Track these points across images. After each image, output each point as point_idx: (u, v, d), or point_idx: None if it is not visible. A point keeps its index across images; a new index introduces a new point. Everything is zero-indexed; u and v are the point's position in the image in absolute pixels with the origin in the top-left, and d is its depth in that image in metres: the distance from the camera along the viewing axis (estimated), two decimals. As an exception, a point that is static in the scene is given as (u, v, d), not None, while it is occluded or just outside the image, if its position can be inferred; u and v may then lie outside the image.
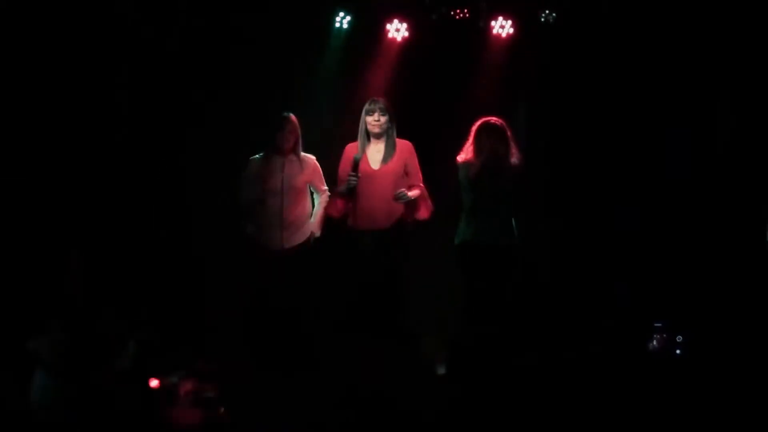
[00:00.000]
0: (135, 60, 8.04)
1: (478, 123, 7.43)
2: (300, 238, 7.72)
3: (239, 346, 7.59)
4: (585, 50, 8.55)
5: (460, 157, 7.44)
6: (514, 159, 7.41)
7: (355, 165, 7.43)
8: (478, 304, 7.40)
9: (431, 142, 8.10)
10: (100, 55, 7.93)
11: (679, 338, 7.45)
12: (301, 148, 7.70)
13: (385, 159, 7.55)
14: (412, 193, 7.51)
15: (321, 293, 8.11)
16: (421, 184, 7.63)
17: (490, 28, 8.58)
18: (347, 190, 7.49)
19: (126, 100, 8.08)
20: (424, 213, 7.65)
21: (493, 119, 7.44)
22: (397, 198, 7.42)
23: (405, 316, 7.68)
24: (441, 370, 7.46)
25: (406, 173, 7.60)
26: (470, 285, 7.46)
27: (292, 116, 7.66)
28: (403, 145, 7.63)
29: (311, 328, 7.77)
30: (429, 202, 7.65)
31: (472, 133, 7.42)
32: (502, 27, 8.58)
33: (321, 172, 7.78)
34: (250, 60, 8.30)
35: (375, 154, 7.59)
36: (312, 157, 7.75)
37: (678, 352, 7.47)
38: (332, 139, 8.11)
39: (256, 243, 7.69)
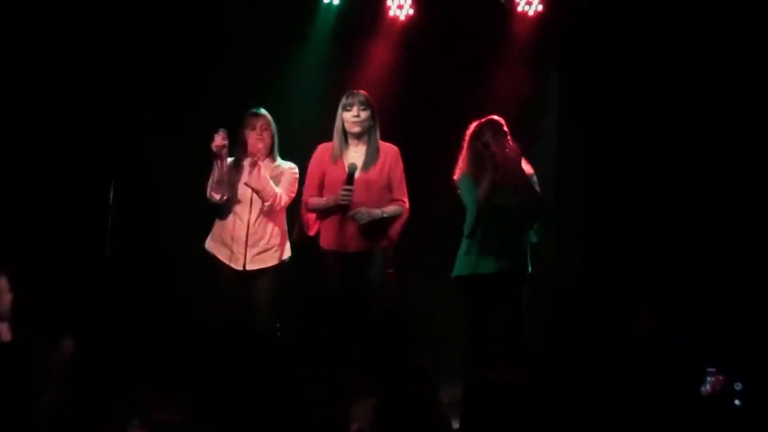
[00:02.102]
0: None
1: (472, 126, 6.58)
2: (269, 260, 6.70)
3: (208, 389, 6.17)
4: (629, 33, 7.50)
5: (457, 171, 6.61)
6: (525, 166, 6.55)
7: (350, 176, 6.40)
8: (486, 345, 6.56)
9: (440, 142, 7.19)
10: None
11: (737, 386, 6.52)
12: (277, 151, 6.71)
13: (366, 165, 6.53)
14: (379, 211, 6.47)
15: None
16: (405, 200, 6.62)
17: (514, 5, 7.56)
18: (331, 208, 6.46)
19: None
20: (394, 233, 6.63)
21: (493, 117, 6.55)
22: (355, 217, 6.41)
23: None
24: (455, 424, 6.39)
25: (389, 184, 6.56)
26: (475, 325, 6.59)
27: (264, 112, 6.68)
28: (388, 150, 6.61)
29: (292, 367, 6.47)
30: (399, 224, 6.60)
31: (466, 139, 6.58)
32: (529, 3, 7.54)
33: (294, 178, 6.70)
34: (221, 44, 7.40)
35: (353, 158, 6.54)
36: (291, 166, 6.74)
37: (737, 402, 6.52)
38: (318, 139, 6.98)
39: (215, 259, 6.74)
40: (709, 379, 6.51)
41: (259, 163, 6.53)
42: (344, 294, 6.54)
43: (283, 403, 6.37)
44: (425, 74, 7.53)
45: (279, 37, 7.46)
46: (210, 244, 6.74)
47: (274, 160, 6.69)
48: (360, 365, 6.53)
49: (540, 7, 7.48)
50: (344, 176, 6.43)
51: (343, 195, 6.36)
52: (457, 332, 7.11)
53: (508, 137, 6.47)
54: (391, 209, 6.49)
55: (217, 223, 6.71)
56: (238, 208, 6.63)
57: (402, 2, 7.48)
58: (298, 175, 6.69)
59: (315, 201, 6.55)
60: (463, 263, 6.55)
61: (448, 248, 6.93)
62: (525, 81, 7.53)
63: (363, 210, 6.39)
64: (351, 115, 6.47)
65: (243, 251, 6.61)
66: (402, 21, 7.54)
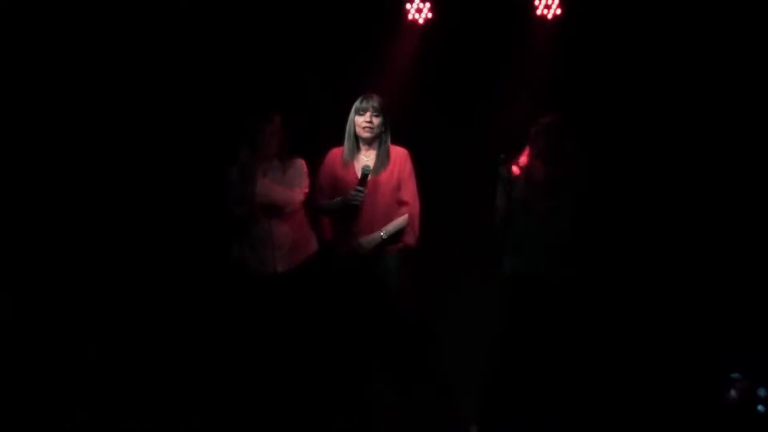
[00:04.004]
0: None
1: (536, 124, 6.56)
2: (298, 258, 6.69)
3: (225, 401, 6.66)
4: (651, 36, 7.29)
5: (515, 168, 6.52)
6: (580, 167, 6.54)
7: (364, 178, 6.36)
8: (523, 352, 6.45)
9: (458, 145, 7.27)
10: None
11: (762, 392, 6.58)
12: (286, 151, 6.73)
13: (376, 170, 6.48)
14: (378, 234, 6.43)
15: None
16: (411, 200, 6.54)
17: (533, 8, 7.36)
18: (341, 206, 6.43)
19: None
20: (408, 239, 6.55)
21: (553, 117, 6.54)
22: (361, 248, 6.43)
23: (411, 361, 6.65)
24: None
25: (398, 186, 6.50)
26: (514, 328, 6.50)
27: (276, 115, 6.69)
28: (397, 153, 6.55)
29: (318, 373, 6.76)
30: (416, 225, 6.53)
31: (530, 137, 6.54)
32: (547, 7, 7.35)
33: (304, 172, 6.71)
34: (234, 47, 7.30)
35: (364, 163, 6.51)
36: (298, 159, 6.75)
37: (760, 408, 6.61)
38: (334, 145, 6.92)
39: (244, 267, 6.72)
40: (735, 386, 6.57)
41: (268, 175, 6.55)
42: (359, 299, 6.50)
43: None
44: (443, 78, 7.38)
45: (297, 41, 7.32)
46: (237, 252, 6.70)
47: (282, 159, 6.65)
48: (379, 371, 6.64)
49: (558, 11, 7.29)
50: (355, 180, 6.39)
51: (354, 195, 6.33)
52: (478, 334, 7.10)
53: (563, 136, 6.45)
54: (392, 225, 6.42)
55: (241, 230, 6.67)
56: (257, 212, 6.61)
57: (421, 6, 7.30)
58: (306, 168, 6.67)
59: (325, 203, 6.50)
60: (509, 263, 6.49)
61: (470, 248, 7.05)
62: (544, 85, 7.31)
63: (363, 242, 6.36)
64: (363, 120, 6.41)
65: (271, 254, 6.60)
66: (420, 25, 7.35)
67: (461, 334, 7.14)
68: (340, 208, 6.40)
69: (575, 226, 6.42)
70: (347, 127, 6.46)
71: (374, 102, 6.40)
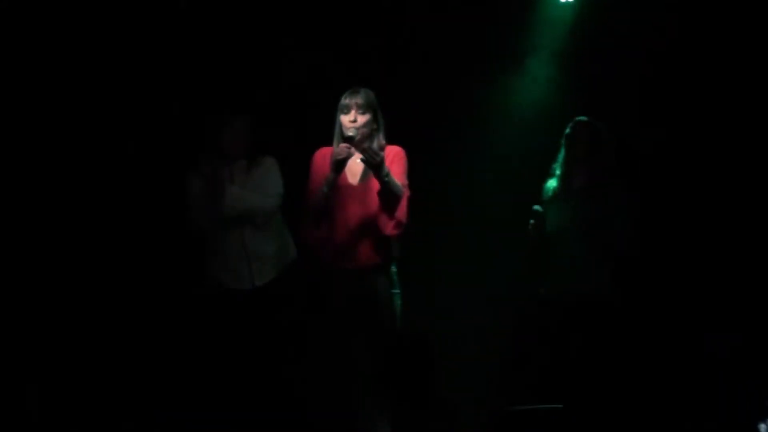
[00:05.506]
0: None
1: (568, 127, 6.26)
2: (277, 268, 6.37)
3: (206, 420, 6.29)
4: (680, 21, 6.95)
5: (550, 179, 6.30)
6: (615, 175, 6.17)
7: (349, 139, 5.74)
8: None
9: (465, 139, 7.03)
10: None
11: None
12: (252, 149, 6.35)
13: (365, 174, 5.87)
14: (385, 168, 5.72)
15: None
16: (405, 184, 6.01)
17: None
18: (331, 181, 5.78)
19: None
20: (390, 225, 5.90)
21: (584, 120, 6.17)
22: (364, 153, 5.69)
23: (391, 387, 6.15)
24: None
25: None
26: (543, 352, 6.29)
27: (243, 116, 6.36)
28: (389, 152, 5.93)
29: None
30: (403, 212, 5.85)
31: (566, 140, 6.20)
32: None
33: (277, 172, 6.34)
34: (234, 47, 7.01)
35: (355, 164, 5.90)
36: (268, 158, 6.39)
37: None
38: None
39: (220, 284, 6.33)
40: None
41: (235, 181, 6.21)
42: (345, 314, 5.94)
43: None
44: (445, 71, 7.00)
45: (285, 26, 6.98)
46: (210, 270, 6.31)
47: (249, 160, 6.30)
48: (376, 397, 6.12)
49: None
50: (346, 182, 5.82)
51: (339, 150, 5.70)
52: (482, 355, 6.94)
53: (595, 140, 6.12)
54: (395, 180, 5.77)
55: (209, 245, 6.31)
56: (227, 224, 6.25)
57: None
58: (277, 165, 6.30)
59: (314, 197, 5.84)
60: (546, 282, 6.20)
61: (477, 261, 6.79)
62: (559, 83, 7.07)
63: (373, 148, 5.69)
64: (348, 120, 5.78)
65: (247, 267, 6.26)
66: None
67: (464, 357, 6.90)
68: (331, 183, 5.77)
69: (621, 241, 6.06)
70: (336, 127, 5.90)
71: (358, 98, 5.79)
